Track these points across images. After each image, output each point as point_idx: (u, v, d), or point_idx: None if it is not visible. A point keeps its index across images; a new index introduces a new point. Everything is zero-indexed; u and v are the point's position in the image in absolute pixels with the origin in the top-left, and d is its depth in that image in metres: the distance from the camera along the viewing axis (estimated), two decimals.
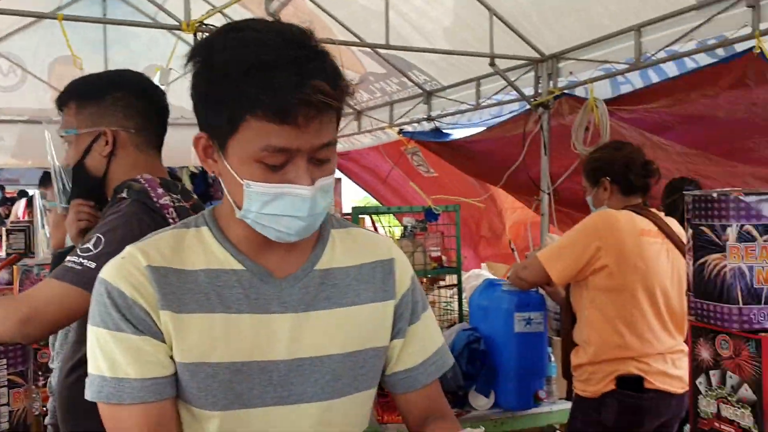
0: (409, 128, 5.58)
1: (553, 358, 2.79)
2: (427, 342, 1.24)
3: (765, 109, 3.00)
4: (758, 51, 2.80)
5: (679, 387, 2.30)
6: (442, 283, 4.01)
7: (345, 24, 4.78)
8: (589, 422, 2.35)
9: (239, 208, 1.04)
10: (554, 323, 3.03)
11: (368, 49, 5.05)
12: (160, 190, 1.60)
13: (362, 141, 6.49)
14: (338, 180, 6.39)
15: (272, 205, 1.01)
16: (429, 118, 5.27)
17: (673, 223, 2.43)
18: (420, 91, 5.29)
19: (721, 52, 3.06)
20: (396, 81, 5.48)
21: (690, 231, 1.36)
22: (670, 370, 2.32)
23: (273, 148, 0.97)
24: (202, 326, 1.05)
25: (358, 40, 4.70)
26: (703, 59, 3.17)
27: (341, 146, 6.85)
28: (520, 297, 2.67)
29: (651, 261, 2.32)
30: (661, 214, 2.46)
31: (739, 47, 2.94)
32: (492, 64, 3.94)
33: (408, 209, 3.87)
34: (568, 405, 2.58)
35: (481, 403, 2.72)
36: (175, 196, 1.64)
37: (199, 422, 1.07)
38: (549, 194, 4.10)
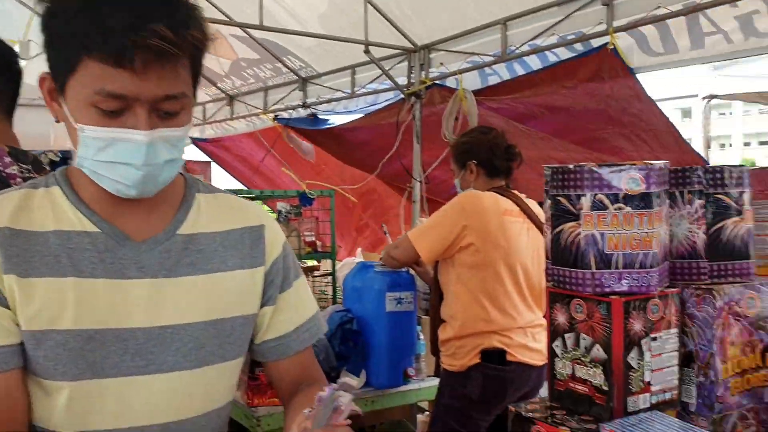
0: (284, 114, 5.51)
1: (422, 336, 2.86)
2: (300, 309, 1.22)
3: (618, 101, 3.22)
4: (611, 47, 3.01)
5: (539, 359, 2.43)
6: (317, 273, 4.01)
7: (216, 4, 4.64)
8: (456, 396, 2.43)
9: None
10: (423, 303, 3.10)
11: (241, 34, 4.93)
12: (8, 159, 1.48)
13: (236, 127, 6.34)
14: (207, 164, 6.20)
15: (106, 152, 0.95)
16: (304, 105, 5.23)
17: (533, 205, 2.56)
18: (295, 77, 5.24)
19: (579, 47, 3.25)
20: (270, 67, 5.39)
21: (548, 201, 1.43)
22: (531, 343, 2.44)
23: (107, 93, 0.92)
24: (51, 291, 0.98)
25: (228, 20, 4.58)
26: (564, 53, 3.36)
27: (213, 132, 6.65)
28: (391, 277, 2.71)
29: (513, 239, 2.44)
30: (523, 196, 2.59)
31: (596, 43, 3.14)
32: (367, 52, 3.97)
33: (282, 193, 3.82)
34: (436, 381, 2.65)
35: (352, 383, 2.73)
36: (24, 166, 1.51)
37: (49, 395, 1.00)
38: (421, 182, 4.19)
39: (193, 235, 1.10)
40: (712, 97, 4.73)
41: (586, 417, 1.39)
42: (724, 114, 35.99)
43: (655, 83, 3.53)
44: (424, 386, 2.83)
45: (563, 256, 1.40)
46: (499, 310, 2.42)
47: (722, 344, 1.42)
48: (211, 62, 5.44)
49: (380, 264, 2.73)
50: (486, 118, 3.74)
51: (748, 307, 1.47)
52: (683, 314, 1.46)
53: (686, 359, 1.46)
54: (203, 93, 6.21)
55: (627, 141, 3.36)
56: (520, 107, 3.65)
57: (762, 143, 36.95)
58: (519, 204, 2.51)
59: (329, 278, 3.80)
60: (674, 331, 1.42)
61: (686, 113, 33.78)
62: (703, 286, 1.44)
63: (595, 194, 1.35)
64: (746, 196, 1.51)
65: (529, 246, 2.49)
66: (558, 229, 1.41)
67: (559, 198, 1.40)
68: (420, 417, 3.54)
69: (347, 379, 0.91)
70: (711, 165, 1.50)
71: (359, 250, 5.24)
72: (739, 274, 1.51)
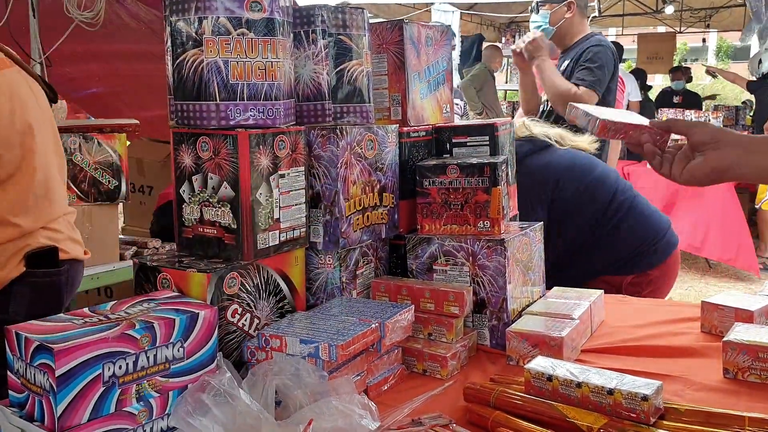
0: None
1: None
2: None
3: None
4: None
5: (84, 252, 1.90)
6: None
7: None
8: None
9: None
10: None
11: None
12: None
13: None
14: None
15: None
16: None
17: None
18: None
19: None
20: None
21: (168, 29, 1.29)
22: (75, 234, 1.88)
23: None
24: None
25: None
26: None
27: None
28: None
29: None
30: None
31: None
32: None
33: None
34: None
35: None
36: None
37: None
38: (42, 63, 3.65)
39: None
40: None
41: (216, 259, 1.33)
42: None
43: None
44: None
45: (186, 88, 1.29)
46: (42, 197, 1.74)
47: (345, 183, 1.48)
48: None
49: None
50: None
51: (368, 148, 1.54)
52: (310, 156, 1.47)
53: (314, 201, 1.49)
54: None
55: None
56: None
57: None
58: (9, 54, 1.78)
59: None
60: (301, 169, 1.42)
61: None
62: (328, 127, 1.47)
63: (218, 18, 1.25)
64: (365, 40, 1.56)
65: (47, 107, 1.85)
66: (180, 59, 1.28)
67: (179, 23, 1.27)
68: None
69: None
70: (333, 4, 1.50)
71: None
72: (360, 116, 1.57)
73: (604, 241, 2.27)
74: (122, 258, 2.78)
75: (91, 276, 2.63)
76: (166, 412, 1.06)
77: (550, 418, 1.12)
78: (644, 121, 1.34)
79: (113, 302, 1.14)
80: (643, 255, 2.26)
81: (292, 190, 1.40)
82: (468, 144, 1.74)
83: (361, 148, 1.52)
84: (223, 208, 1.31)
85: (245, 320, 1.32)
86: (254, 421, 1.00)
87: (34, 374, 0.96)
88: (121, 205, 2.86)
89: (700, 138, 1.16)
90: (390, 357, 1.38)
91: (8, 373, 1.01)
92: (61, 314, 1.08)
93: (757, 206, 6.10)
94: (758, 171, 1.12)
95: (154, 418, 1.05)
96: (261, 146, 1.30)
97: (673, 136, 1.28)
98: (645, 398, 1.07)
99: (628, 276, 2.25)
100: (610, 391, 1.10)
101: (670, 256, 2.30)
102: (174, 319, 1.07)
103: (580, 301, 1.62)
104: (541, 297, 1.71)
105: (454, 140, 1.76)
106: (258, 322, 1.34)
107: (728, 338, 1.35)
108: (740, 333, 1.37)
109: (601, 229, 2.26)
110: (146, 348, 1.03)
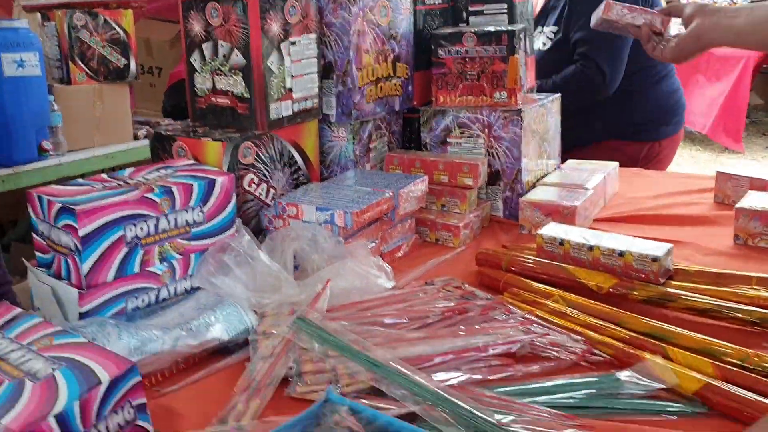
0: None
1: (56, 107, 2.51)
2: None
3: None
4: None
5: None
6: None
7: None
8: None
9: None
10: (56, 71, 2.69)
11: None
12: None
13: None
14: None
15: None
16: None
17: None
18: None
19: None
20: None
21: None
22: None
23: None
24: None
25: None
26: None
27: None
28: (6, 35, 2.27)
29: None
30: None
31: None
32: None
33: None
34: (82, 156, 2.37)
35: None
36: None
37: None
38: None
39: None
40: None
41: (229, 129, 1.33)
42: None
43: None
44: (65, 161, 2.54)
45: None
46: None
47: (358, 52, 1.45)
48: None
49: None
50: None
51: (381, 15, 1.49)
52: (321, 23, 1.43)
53: (326, 71, 1.46)
54: None
55: None
56: None
57: None
58: None
59: None
60: (313, 36, 1.39)
61: None
62: None
63: None
64: None
65: None
66: None
67: None
68: None
69: None
70: None
71: None
72: None
73: (636, 96, 2.25)
74: (136, 138, 2.78)
75: (105, 155, 2.65)
76: (189, 273, 1.09)
77: (560, 279, 1.15)
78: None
79: (131, 169, 1.16)
80: (660, 123, 2.29)
81: (303, 59, 1.37)
82: (485, 12, 1.68)
83: (374, 15, 1.47)
84: (235, 77, 1.30)
85: (261, 190, 1.33)
86: (274, 280, 1.03)
87: (59, 235, 0.99)
88: None
89: (689, 11, 1.25)
90: (403, 226, 1.41)
91: (33, 235, 1.04)
92: (80, 179, 1.10)
93: None
94: (725, 32, 1.20)
95: (177, 278, 1.08)
96: (271, 11, 1.27)
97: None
98: (655, 259, 1.09)
99: (636, 143, 2.26)
100: (621, 254, 1.12)
101: (678, 131, 2.37)
102: (192, 185, 1.08)
103: (595, 173, 1.62)
104: (556, 169, 1.71)
105: (470, 8, 1.70)
106: (274, 192, 1.36)
107: (741, 205, 1.35)
108: (753, 200, 1.37)
109: (640, 81, 2.25)
110: (166, 212, 1.05)
